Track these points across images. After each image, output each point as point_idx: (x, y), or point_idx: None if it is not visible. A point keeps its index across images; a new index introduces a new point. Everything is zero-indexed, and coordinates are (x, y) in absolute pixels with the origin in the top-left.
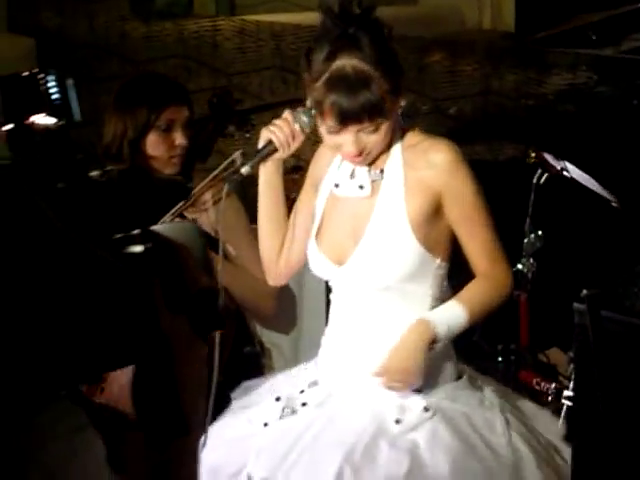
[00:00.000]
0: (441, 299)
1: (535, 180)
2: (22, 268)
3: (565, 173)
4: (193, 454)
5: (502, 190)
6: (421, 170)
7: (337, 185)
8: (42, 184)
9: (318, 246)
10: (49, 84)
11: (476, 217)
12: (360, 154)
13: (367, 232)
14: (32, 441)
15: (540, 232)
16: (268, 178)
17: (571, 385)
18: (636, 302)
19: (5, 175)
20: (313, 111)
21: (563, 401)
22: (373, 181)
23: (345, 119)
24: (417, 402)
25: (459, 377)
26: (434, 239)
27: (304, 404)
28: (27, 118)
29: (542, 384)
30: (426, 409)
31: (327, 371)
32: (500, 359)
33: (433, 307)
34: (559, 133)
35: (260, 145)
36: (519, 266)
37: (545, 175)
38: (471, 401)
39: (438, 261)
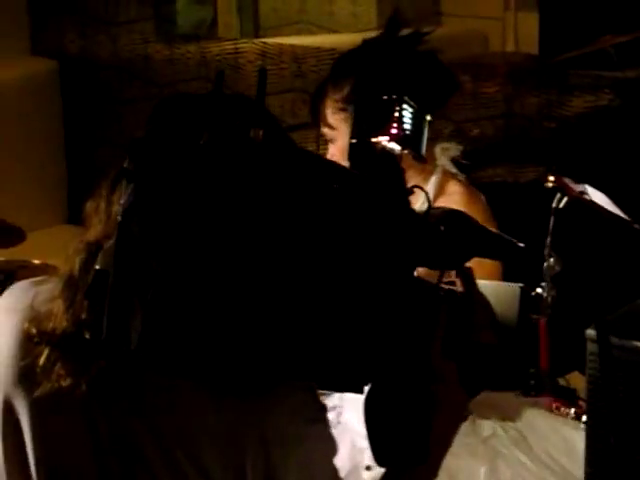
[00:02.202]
0: None
1: (554, 204)
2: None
3: (585, 196)
4: None
5: (523, 213)
6: None
7: None
8: (373, 201)
9: None
10: (404, 112)
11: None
12: None
13: None
14: (251, 416)
15: (560, 256)
16: None
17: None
18: None
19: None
20: None
21: (581, 425)
22: None
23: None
24: None
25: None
26: None
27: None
28: (373, 137)
29: (561, 409)
30: None
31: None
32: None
33: None
34: (581, 156)
35: None
36: (538, 290)
37: (565, 199)
38: (459, 450)
39: None
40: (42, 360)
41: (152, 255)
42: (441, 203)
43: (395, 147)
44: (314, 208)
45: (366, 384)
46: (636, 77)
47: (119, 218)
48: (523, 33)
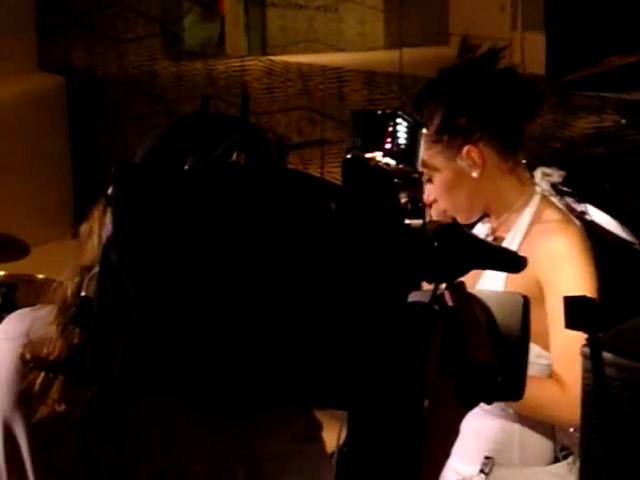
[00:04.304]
0: None
1: None
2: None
3: (587, 216)
4: None
5: None
6: (533, 253)
7: None
8: (368, 219)
9: None
10: (399, 127)
11: None
12: (431, 205)
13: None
14: (251, 434)
15: None
16: None
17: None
18: None
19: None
20: None
21: None
22: None
23: None
24: None
25: (556, 461)
26: (535, 326)
27: None
28: (368, 152)
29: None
30: None
31: None
32: None
33: None
34: (585, 176)
35: None
36: None
37: None
38: None
39: (538, 349)
40: (38, 385)
41: (131, 283)
42: (536, 230)
43: (390, 162)
44: (299, 229)
45: (359, 400)
46: None
47: (103, 244)
48: (530, 53)
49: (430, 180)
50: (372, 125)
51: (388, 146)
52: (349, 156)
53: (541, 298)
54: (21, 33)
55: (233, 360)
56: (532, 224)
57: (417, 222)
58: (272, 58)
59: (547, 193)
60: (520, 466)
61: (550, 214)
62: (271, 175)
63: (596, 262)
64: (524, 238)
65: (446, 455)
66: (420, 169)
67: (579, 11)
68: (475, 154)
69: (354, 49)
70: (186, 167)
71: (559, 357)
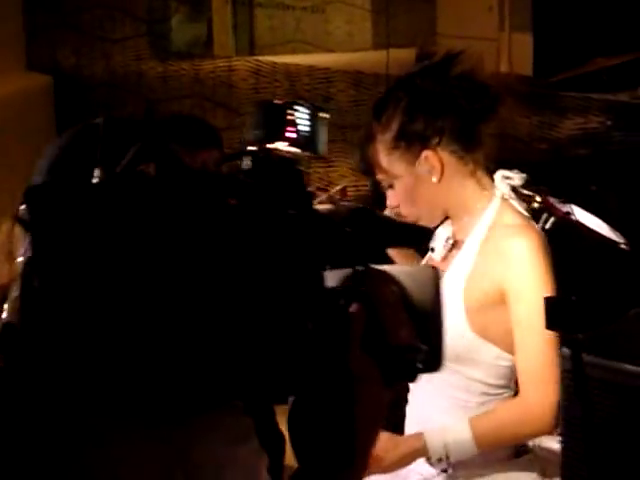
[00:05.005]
0: (505, 389)
1: (541, 224)
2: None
3: (572, 217)
4: None
5: None
6: (492, 256)
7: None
8: (272, 208)
9: None
10: (298, 115)
11: (531, 324)
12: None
13: None
14: (176, 445)
15: None
16: None
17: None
18: (624, 346)
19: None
20: None
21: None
22: (452, 249)
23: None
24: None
25: (517, 455)
26: (495, 329)
27: None
28: (270, 143)
29: None
30: None
31: None
32: None
33: (484, 394)
34: (571, 178)
35: None
36: None
37: (551, 219)
38: None
39: (498, 351)
40: None
41: (55, 307)
42: (496, 233)
43: (294, 150)
44: (207, 229)
45: (290, 393)
46: (627, 100)
47: (20, 269)
48: (517, 54)
49: (391, 186)
50: (272, 115)
51: (290, 135)
52: (251, 149)
53: (501, 300)
54: (8, 33)
55: (159, 369)
56: (491, 228)
57: (326, 207)
58: (259, 58)
59: (507, 196)
60: (481, 464)
61: (509, 218)
62: (178, 181)
63: (581, 262)
64: (484, 242)
65: (375, 437)
66: (381, 176)
67: (566, 12)
68: (434, 159)
69: (342, 50)
70: (95, 180)
71: (522, 370)
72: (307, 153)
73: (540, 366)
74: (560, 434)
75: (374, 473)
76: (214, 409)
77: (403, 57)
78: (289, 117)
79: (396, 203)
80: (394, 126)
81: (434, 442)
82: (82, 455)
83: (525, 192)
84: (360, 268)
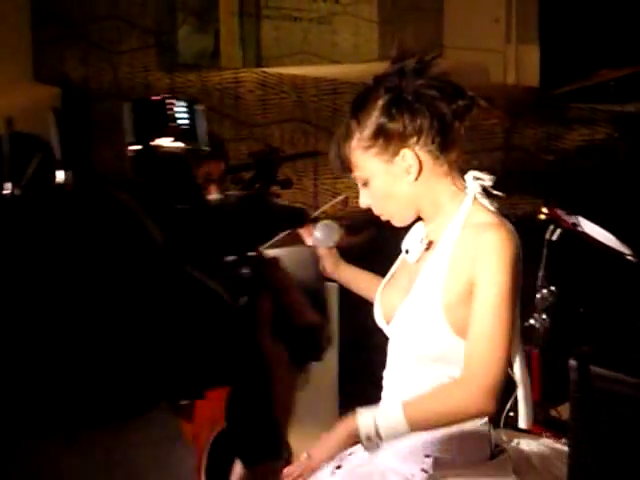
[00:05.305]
0: None
1: (548, 235)
2: (122, 280)
3: (578, 228)
4: (278, 477)
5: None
6: (466, 255)
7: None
8: (161, 204)
9: (380, 300)
10: (176, 109)
11: (485, 310)
12: (371, 209)
13: (405, 302)
14: (118, 443)
15: (553, 287)
16: (340, 278)
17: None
18: (631, 358)
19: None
20: (327, 223)
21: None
22: (427, 249)
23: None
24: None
25: (493, 457)
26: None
27: (338, 467)
28: (153, 140)
29: (552, 439)
30: None
31: None
32: (512, 414)
33: None
34: (578, 189)
35: None
36: (531, 321)
37: (558, 230)
38: None
39: None
40: None
41: None
42: (469, 232)
43: (178, 145)
44: (103, 236)
45: (205, 388)
46: (634, 111)
47: None
48: (524, 66)
49: (366, 184)
50: (152, 113)
51: (172, 129)
52: (136, 147)
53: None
54: (16, 44)
55: (81, 377)
56: (464, 227)
57: (216, 197)
58: (266, 70)
59: (478, 196)
60: (460, 464)
61: (482, 216)
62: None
63: (587, 274)
64: (457, 241)
65: (288, 417)
66: (356, 174)
67: (573, 24)
68: (411, 158)
69: (348, 61)
70: (5, 192)
71: (467, 352)
72: (190, 146)
73: (485, 350)
74: (567, 444)
75: (304, 467)
76: (142, 411)
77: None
78: (169, 112)
79: (369, 201)
80: (372, 124)
81: (364, 419)
82: (7, 466)
83: (495, 192)
84: (254, 254)
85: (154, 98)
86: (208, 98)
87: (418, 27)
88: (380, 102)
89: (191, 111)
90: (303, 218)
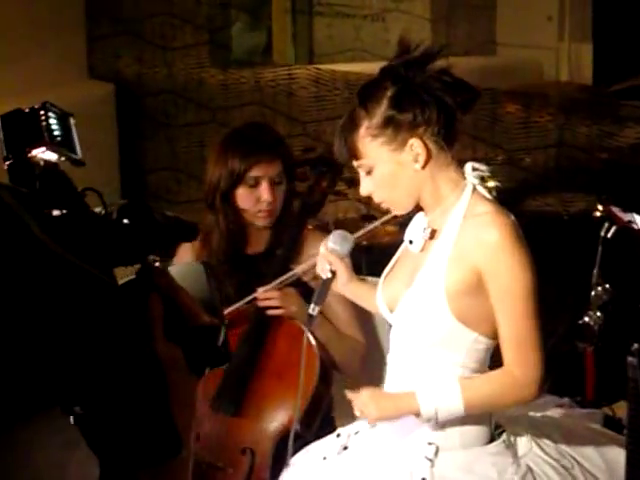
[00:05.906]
0: (480, 371)
1: (603, 233)
2: (15, 285)
3: (634, 225)
4: (185, 473)
5: (573, 242)
6: (469, 243)
7: (410, 241)
8: (39, 212)
9: (382, 290)
10: (50, 120)
11: (514, 304)
12: (370, 197)
13: (409, 291)
14: (18, 450)
15: (608, 285)
16: (351, 292)
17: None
18: None
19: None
20: (340, 232)
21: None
22: (430, 238)
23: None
24: (421, 470)
25: (492, 440)
26: (474, 314)
27: (345, 448)
28: (28, 152)
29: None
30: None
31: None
32: None
33: (459, 376)
34: (632, 186)
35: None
36: (586, 319)
37: (613, 228)
38: (489, 473)
39: (475, 335)
40: None
41: None
42: (470, 222)
43: (52, 156)
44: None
45: (105, 393)
46: None
47: None
48: (577, 63)
49: (369, 172)
50: (24, 124)
51: (46, 140)
52: (10, 160)
53: (480, 286)
54: (71, 42)
55: None
56: (466, 216)
57: (98, 208)
58: (319, 67)
59: (477, 187)
60: (461, 449)
61: (482, 206)
62: None
63: None
64: (460, 230)
65: (190, 424)
66: (362, 161)
67: (626, 22)
68: (420, 147)
69: None
70: None
71: (508, 347)
72: (64, 157)
73: (522, 337)
74: (626, 442)
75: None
76: (48, 415)
77: (462, 66)
78: (42, 123)
79: (371, 189)
80: (381, 113)
81: (426, 404)
82: None
83: (492, 183)
84: (146, 261)
85: (26, 110)
86: (261, 94)
87: (471, 24)
88: (389, 93)
89: (63, 121)
90: (194, 234)
